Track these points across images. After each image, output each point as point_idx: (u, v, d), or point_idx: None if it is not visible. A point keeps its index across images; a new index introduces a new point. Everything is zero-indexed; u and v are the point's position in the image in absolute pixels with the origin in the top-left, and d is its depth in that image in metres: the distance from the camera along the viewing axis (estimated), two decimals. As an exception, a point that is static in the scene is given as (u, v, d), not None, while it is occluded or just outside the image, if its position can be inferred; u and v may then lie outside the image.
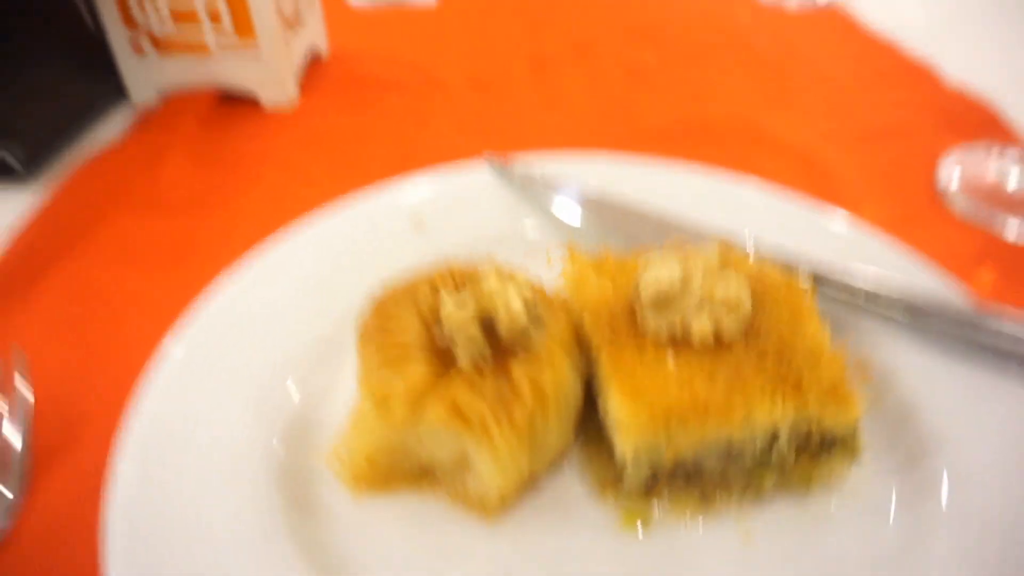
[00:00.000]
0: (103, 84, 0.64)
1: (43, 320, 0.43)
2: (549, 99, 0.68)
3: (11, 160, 0.54)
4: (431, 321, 0.33)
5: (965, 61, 0.72)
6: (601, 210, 0.46)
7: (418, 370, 0.31)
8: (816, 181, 0.56)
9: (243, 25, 0.62)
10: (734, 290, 0.32)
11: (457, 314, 0.31)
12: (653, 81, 0.72)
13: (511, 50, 0.77)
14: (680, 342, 0.32)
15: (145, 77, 0.65)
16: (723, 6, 0.90)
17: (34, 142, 0.56)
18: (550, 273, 0.39)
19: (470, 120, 0.65)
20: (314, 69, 0.72)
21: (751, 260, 0.37)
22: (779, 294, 0.34)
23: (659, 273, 0.33)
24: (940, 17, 0.85)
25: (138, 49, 0.63)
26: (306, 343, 0.38)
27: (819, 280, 0.39)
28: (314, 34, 0.73)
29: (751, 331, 0.33)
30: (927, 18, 0.84)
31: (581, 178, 0.48)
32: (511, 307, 0.31)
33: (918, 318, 0.37)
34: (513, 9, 0.88)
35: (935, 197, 0.55)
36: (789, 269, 0.38)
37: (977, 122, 0.63)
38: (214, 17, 0.61)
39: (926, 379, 0.36)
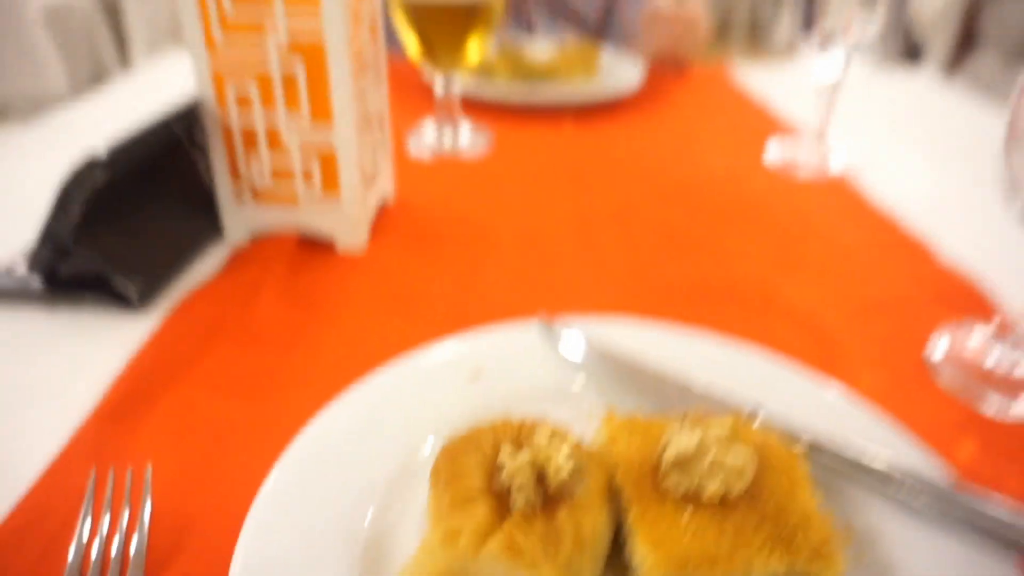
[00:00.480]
0: (204, 225, 0.76)
1: (155, 438, 0.52)
2: (588, 256, 0.78)
3: (130, 292, 0.64)
4: (492, 468, 0.40)
5: (959, 240, 0.81)
6: (632, 371, 0.54)
7: (481, 511, 0.38)
8: (818, 346, 0.64)
9: (330, 182, 0.73)
10: (741, 459, 0.40)
11: (515, 467, 0.39)
12: (680, 243, 0.81)
13: (554, 207, 0.88)
14: (695, 499, 0.39)
15: (241, 221, 0.76)
16: (742, 174, 1.01)
17: (148, 276, 0.66)
18: (588, 425, 0.47)
19: (518, 272, 0.75)
20: (381, 215, 0.83)
21: (757, 429, 0.44)
22: (778, 462, 0.42)
23: (681, 441, 0.41)
24: (940, 197, 0.95)
25: (239, 198, 0.75)
26: (381, 478, 0.46)
27: (813, 449, 0.46)
28: (385, 185, 0.84)
29: (754, 493, 0.40)
30: (928, 196, 0.94)
31: (616, 340, 0.57)
32: (559, 465, 0.38)
33: (899, 490, 0.44)
34: (555, 163, 1.00)
35: (923, 368, 0.62)
36: (788, 437, 0.45)
37: (965, 299, 0.72)
38: (307, 175, 0.73)
39: (902, 544, 0.42)
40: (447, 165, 0.99)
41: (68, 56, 5.11)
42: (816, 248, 0.82)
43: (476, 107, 1.16)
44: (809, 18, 0.90)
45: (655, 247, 0.80)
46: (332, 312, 0.67)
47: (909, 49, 4.91)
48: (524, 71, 1.21)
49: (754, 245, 0.82)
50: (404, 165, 0.96)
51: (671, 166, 1.03)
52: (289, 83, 0.67)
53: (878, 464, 0.45)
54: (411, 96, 1.19)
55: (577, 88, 1.23)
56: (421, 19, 0.91)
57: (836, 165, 1.01)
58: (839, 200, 0.94)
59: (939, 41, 4.40)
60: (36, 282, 0.65)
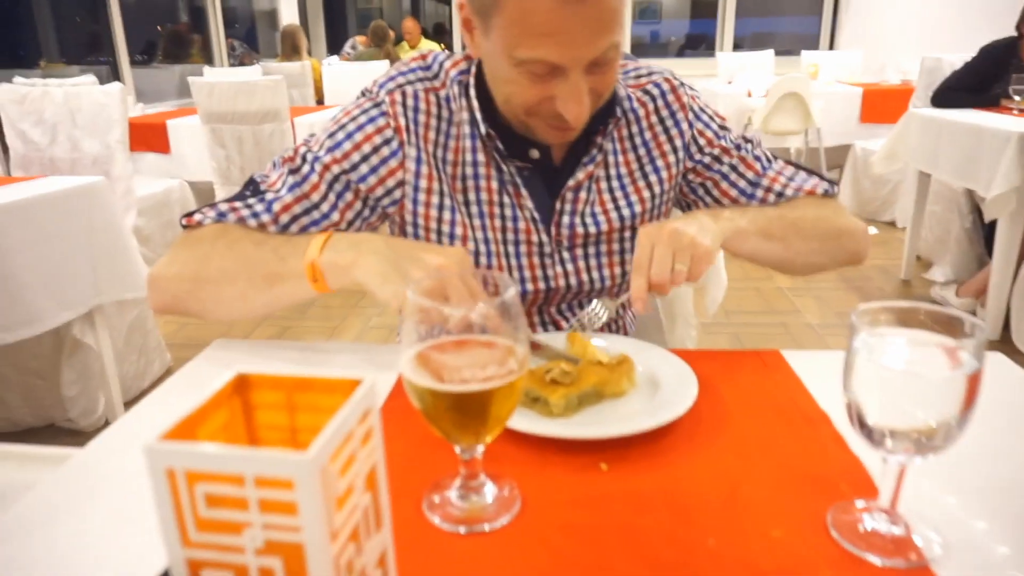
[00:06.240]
0: None
1: None
2: None
3: None
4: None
5: None
6: None
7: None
8: None
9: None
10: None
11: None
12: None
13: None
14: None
15: None
16: (800, 541, 0.88)
17: None
18: None
19: None
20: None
21: None
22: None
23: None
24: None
25: None
26: None
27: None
28: None
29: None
30: None
31: None
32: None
33: None
34: (592, 522, 0.90)
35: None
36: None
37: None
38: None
39: None
40: (468, 541, 0.91)
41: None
42: None
43: (511, 441, 1.09)
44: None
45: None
46: None
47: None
48: (577, 394, 1.14)
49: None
50: (421, 537, 0.89)
51: (723, 517, 0.90)
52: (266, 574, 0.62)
53: None
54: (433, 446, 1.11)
55: (622, 416, 1.14)
56: (438, 409, 0.86)
57: (920, 549, 0.84)
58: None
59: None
60: None
